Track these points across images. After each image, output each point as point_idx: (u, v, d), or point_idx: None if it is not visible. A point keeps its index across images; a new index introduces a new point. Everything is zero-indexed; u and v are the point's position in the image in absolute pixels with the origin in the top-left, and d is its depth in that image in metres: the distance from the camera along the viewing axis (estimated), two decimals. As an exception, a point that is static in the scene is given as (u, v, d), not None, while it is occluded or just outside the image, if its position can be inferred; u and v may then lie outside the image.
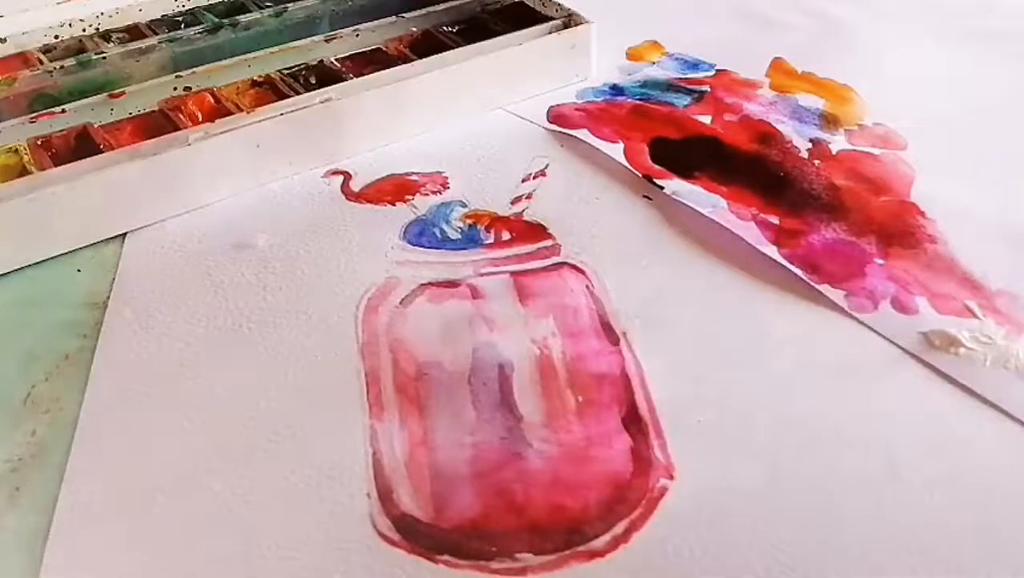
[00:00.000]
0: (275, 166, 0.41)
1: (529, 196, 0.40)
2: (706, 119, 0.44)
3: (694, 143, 0.43)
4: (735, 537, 0.27)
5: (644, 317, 0.34)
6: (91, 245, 0.38)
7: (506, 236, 0.38)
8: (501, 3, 0.50)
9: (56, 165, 0.37)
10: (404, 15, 0.48)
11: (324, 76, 0.44)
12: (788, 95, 0.46)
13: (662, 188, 0.40)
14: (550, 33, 0.46)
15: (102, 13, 0.48)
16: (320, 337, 0.33)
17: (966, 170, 0.41)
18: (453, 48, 0.45)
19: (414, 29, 0.48)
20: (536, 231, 0.38)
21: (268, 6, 0.49)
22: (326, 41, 0.46)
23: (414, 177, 0.41)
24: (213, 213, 0.39)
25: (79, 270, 0.37)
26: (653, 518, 0.27)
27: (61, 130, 0.40)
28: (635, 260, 0.37)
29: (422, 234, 0.38)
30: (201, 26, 0.47)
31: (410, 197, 0.40)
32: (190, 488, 0.28)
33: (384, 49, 0.47)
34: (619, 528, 0.27)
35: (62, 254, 0.37)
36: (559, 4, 0.48)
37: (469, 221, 0.38)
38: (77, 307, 0.35)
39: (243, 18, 0.48)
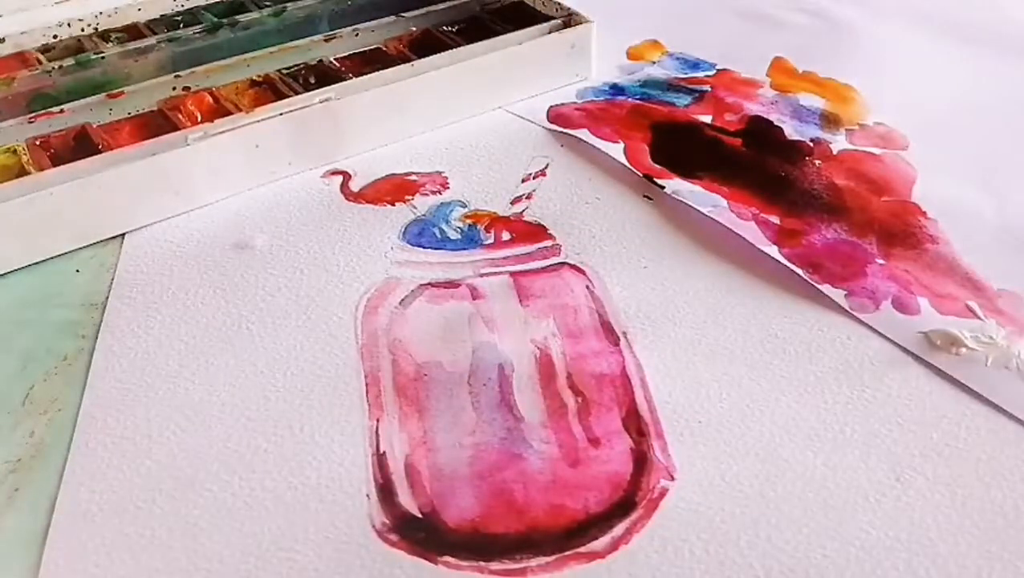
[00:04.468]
0: (274, 166, 0.41)
1: (529, 196, 0.40)
2: (707, 118, 0.44)
3: (695, 143, 0.43)
4: (735, 538, 0.26)
5: (644, 317, 0.34)
6: (90, 245, 0.38)
7: (506, 236, 0.38)
8: (501, 2, 0.50)
9: (55, 165, 0.37)
10: (403, 14, 0.48)
11: (323, 76, 0.44)
12: (789, 94, 0.46)
13: (663, 188, 0.40)
14: (550, 32, 0.46)
15: (101, 13, 0.48)
16: (319, 338, 0.33)
17: (968, 170, 0.41)
18: (453, 48, 0.45)
19: (413, 29, 0.48)
20: (536, 231, 0.38)
21: (267, 6, 0.49)
22: (325, 41, 0.46)
23: (414, 177, 0.41)
24: (212, 213, 0.39)
25: (78, 271, 0.37)
26: (653, 519, 0.27)
27: (60, 130, 0.40)
28: (635, 260, 0.37)
29: (422, 234, 0.38)
30: (200, 26, 0.47)
31: (410, 197, 0.40)
32: (189, 489, 0.28)
33: (383, 49, 0.47)
34: (619, 529, 0.27)
35: (60, 255, 0.37)
36: (559, 3, 0.48)
37: (469, 221, 0.38)
38: (76, 308, 0.35)
39: (242, 18, 0.48)
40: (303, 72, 0.45)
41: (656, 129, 0.44)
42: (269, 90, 0.43)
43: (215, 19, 0.48)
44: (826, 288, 0.35)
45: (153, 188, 0.38)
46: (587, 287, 0.35)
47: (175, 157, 0.38)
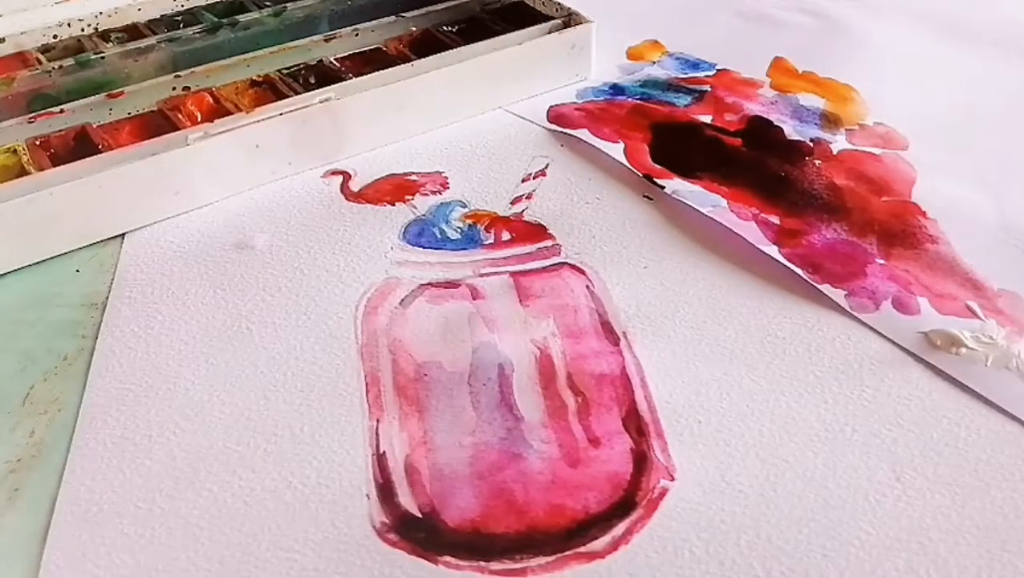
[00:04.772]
0: (274, 166, 0.41)
1: (529, 196, 0.40)
2: (707, 118, 0.44)
3: (695, 143, 0.43)
4: (735, 538, 0.27)
5: (644, 317, 0.34)
6: (90, 245, 0.38)
7: (506, 236, 0.38)
8: (501, 3, 0.50)
9: (55, 165, 0.37)
10: (404, 14, 0.48)
11: (323, 76, 0.44)
12: (789, 94, 0.46)
13: (663, 188, 0.40)
14: (550, 33, 0.46)
15: (101, 13, 0.48)
16: (319, 338, 0.33)
17: (968, 170, 0.41)
18: (453, 48, 0.45)
19: (413, 29, 0.48)
20: (536, 231, 0.38)
21: (267, 6, 0.49)
22: (325, 41, 0.46)
23: (414, 177, 0.41)
24: (212, 213, 0.39)
25: (78, 270, 0.37)
26: (653, 519, 0.27)
27: (60, 130, 0.40)
28: (635, 260, 0.37)
29: (422, 234, 0.38)
30: (200, 26, 0.47)
31: (410, 197, 0.40)
32: (189, 489, 0.28)
33: (383, 49, 0.47)
34: (619, 529, 0.27)
35: (61, 255, 0.37)
36: (559, 3, 0.48)
37: (469, 221, 0.38)
38: (76, 308, 0.35)
39: (242, 18, 0.48)
40: (303, 72, 0.45)
41: (656, 129, 0.44)
42: (269, 90, 0.43)
43: (215, 19, 0.48)
44: (826, 288, 0.35)
45: (153, 188, 0.38)
46: (587, 287, 0.35)
47: (175, 157, 0.38)
